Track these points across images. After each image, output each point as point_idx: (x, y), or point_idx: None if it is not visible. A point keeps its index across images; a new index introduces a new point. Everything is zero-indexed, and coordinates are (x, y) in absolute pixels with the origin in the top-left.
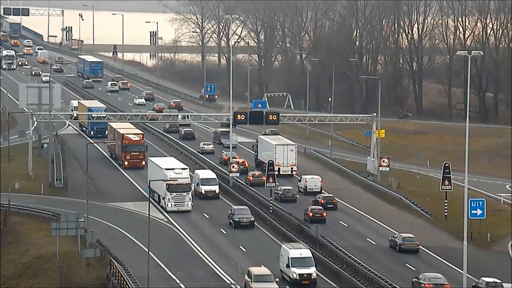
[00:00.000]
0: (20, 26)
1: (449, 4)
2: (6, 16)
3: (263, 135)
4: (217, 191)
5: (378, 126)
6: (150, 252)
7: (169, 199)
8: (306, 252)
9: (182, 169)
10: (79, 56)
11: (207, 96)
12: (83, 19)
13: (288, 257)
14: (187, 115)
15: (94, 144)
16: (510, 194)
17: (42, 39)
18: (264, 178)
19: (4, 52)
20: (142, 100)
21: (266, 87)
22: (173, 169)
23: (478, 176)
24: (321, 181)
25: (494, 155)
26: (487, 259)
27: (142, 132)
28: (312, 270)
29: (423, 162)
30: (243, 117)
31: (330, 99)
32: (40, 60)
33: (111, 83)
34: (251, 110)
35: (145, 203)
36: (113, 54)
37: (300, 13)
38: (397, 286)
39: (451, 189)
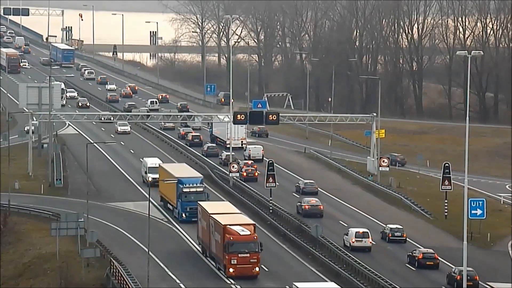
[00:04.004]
0: None
1: (449, 4)
2: None
3: (218, 114)
4: None
5: (378, 126)
6: (150, 252)
7: None
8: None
9: None
10: (52, 43)
11: (223, 99)
12: (82, 19)
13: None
14: (155, 101)
15: (95, 144)
16: (510, 194)
17: (42, 39)
18: (218, 150)
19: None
20: (113, 86)
21: (266, 87)
22: None
23: (478, 176)
24: (262, 150)
25: (494, 155)
26: (487, 259)
27: (253, 222)
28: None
29: (423, 162)
30: (243, 117)
31: (330, 99)
32: (16, 46)
33: (88, 71)
34: (251, 110)
35: (145, 203)
36: (113, 54)
37: (300, 13)
38: (397, 286)
39: (451, 189)
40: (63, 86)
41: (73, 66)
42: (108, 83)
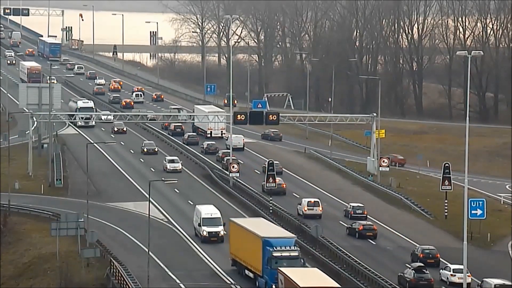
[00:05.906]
0: None
1: (449, 4)
2: None
3: (199, 105)
4: None
5: (378, 126)
6: (150, 252)
7: None
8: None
9: None
10: (39, 38)
11: (226, 101)
12: (83, 19)
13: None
14: (140, 93)
15: (95, 144)
16: (510, 194)
17: None
18: (198, 139)
19: (80, 103)
20: (102, 81)
21: (266, 87)
22: None
23: (478, 176)
24: (243, 139)
25: (494, 155)
26: (487, 259)
27: None
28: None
29: (423, 162)
30: (243, 117)
31: (330, 99)
32: (13, 41)
33: (78, 67)
34: (251, 110)
35: (145, 203)
36: (113, 54)
37: (300, 13)
38: (397, 287)
39: (451, 189)
40: (92, 104)
41: (59, 60)
42: (97, 77)
